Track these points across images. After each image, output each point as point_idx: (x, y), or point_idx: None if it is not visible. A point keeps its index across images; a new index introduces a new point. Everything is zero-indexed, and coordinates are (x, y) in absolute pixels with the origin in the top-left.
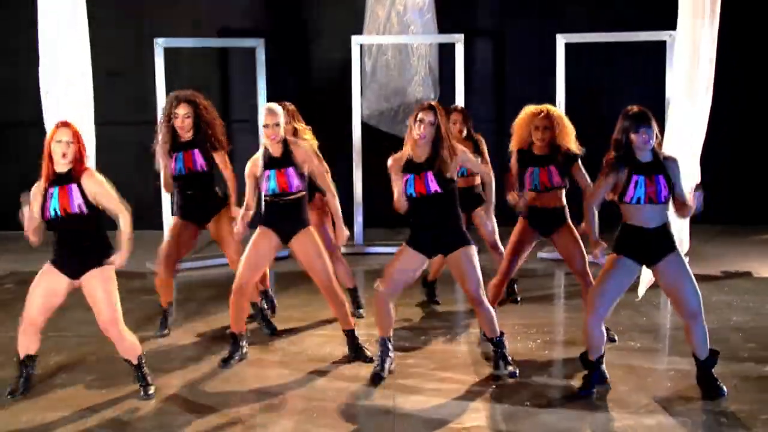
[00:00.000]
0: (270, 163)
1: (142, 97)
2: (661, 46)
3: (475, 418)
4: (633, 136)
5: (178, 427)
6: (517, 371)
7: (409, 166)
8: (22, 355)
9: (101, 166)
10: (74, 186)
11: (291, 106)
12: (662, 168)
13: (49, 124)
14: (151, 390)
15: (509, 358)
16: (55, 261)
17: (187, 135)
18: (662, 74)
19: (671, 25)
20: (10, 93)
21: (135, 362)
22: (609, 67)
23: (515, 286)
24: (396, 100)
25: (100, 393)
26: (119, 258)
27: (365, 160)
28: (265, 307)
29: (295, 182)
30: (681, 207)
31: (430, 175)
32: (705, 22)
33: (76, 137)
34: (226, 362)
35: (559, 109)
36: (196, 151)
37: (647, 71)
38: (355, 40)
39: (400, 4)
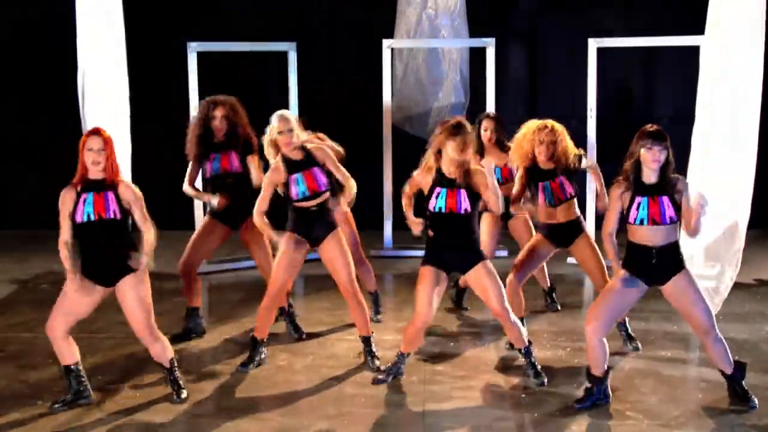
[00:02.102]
0: (294, 167)
1: (176, 99)
2: (695, 51)
3: (504, 427)
4: (644, 152)
5: None
6: (546, 380)
7: (441, 180)
8: (63, 364)
9: (135, 166)
10: (110, 193)
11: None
12: (667, 190)
13: (87, 126)
14: (184, 394)
15: (538, 366)
16: (84, 271)
17: (222, 137)
18: (696, 79)
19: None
20: (48, 95)
21: (167, 366)
22: (642, 72)
23: (554, 294)
24: (426, 105)
25: (134, 395)
26: (140, 262)
27: (395, 163)
28: (294, 311)
29: (323, 180)
30: (687, 225)
31: (464, 193)
32: (743, 25)
33: (108, 144)
34: (245, 366)
35: (592, 112)
36: (233, 153)
37: (681, 76)
38: (386, 44)
39: (431, 7)
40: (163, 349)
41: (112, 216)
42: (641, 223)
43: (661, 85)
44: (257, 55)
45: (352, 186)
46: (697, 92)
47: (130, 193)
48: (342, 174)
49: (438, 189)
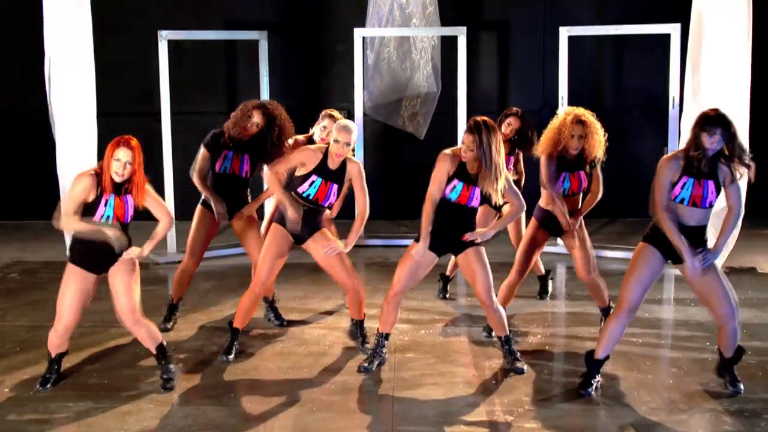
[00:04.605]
0: (323, 170)
1: (146, 88)
2: (666, 38)
3: (475, 413)
4: (703, 135)
5: (178, 419)
6: (525, 368)
7: (461, 173)
8: (54, 354)
9: (102, 153)
10: (130, 197)
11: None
12: (715, 174)
13: (55, 113)
14: (170, 384)
15: (518, 354)
16: (76, 260)
17: (244, 139)
18: (667, 67)
19: (676, 17)
20: (14, 82)
21: (154, 352)
22: (614, 61)
23: (549, 280)
24: (398, 93)
25: (102, 383)
26: (138, 251)
27: (367, 152)
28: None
29: (332, 199)
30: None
31: (478, 192)
32: (729, 10)
33: (135, 156)
34: (226, 355)
35: (563, 100)
36: (247, 156)
37: (652, 64)
38: (358, 33)
39: None
40: (147, 335)
41: (129, 221)
42: (681, 202)
43: (632, 74)
44: (228, 43)
45: (366, 212)
46: (668, 81)
47: (145, 197)
48: (364, 198)
49: (456, 182)
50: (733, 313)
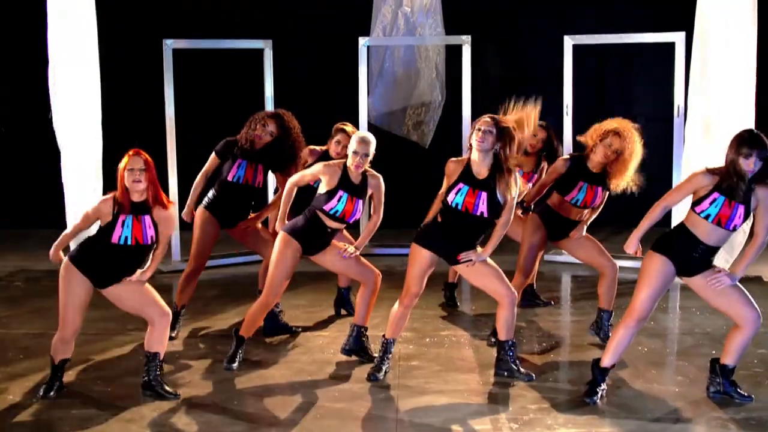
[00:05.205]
0: (346, 185)
1: (150, 97)
2: (671, 47)
3: (479, 422)
4: (740, 160)
5: (180, 427)
6: (533, 375)
7: (467, 177)
8: (57, 361)
9: (109, 166)
10: (148, 217)
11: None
12: (748, 199)
13: (58, 125)
14: (174, 391)
15: (518, 362)
16: (82, 266)
17: (257, 148)
18: (672, 76)
19: (680, 26)
20: (17, 89)
21: (161, 358)
22: (619, 69)
23: (534, 289)
24: (402, 102)
25: (105, 391)
26: (143, 276)
27: (372, 161)
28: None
29: (358, 215)
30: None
31: (484, 196)
32: (733, 18)
33: (149, 165)
34: (230, 363)
35: (568, 109)
36: (260, 166)
37: (656, 73)
38: (362, 42)
39: (407, 5)
40: (165, 340)
41: (149, 242)
42: (706, 218)
43: (636, 82)
44: (233, 52)
45: (380, 220)
46: (673, 89)
47: (165, 218)
48: (380, 208)
49: (460, 185)
50: (759, 315)
